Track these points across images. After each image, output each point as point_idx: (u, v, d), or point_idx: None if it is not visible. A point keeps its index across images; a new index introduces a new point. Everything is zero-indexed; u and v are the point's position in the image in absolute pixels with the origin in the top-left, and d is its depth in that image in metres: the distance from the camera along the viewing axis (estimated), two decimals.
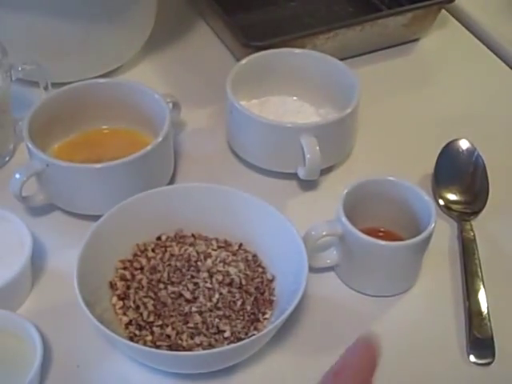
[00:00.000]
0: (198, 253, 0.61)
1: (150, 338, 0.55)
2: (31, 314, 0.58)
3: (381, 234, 0.62)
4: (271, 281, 0.59)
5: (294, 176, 0.69)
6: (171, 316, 0.57)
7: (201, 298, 0.58)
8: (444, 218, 0.66)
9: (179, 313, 0.57)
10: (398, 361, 0.57)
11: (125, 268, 0.59)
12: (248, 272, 0.60)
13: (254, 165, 0.70)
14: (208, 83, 0.79)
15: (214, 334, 0.56)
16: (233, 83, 0.69)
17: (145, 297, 0.58)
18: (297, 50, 0.74)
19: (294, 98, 0.74)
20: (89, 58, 0.77)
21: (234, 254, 0.61)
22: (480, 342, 0.57)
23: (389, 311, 0.60)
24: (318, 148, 0.65)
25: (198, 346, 0.55)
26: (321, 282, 0.61)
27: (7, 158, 0.71)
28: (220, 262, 0.60)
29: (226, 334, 0.56)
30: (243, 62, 0.72)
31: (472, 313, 0.58)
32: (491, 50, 0.86)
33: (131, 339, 0.55)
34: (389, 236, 0.61)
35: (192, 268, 0.60)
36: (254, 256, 0.61)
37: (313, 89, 0.73)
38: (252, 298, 0.58)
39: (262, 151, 0.69)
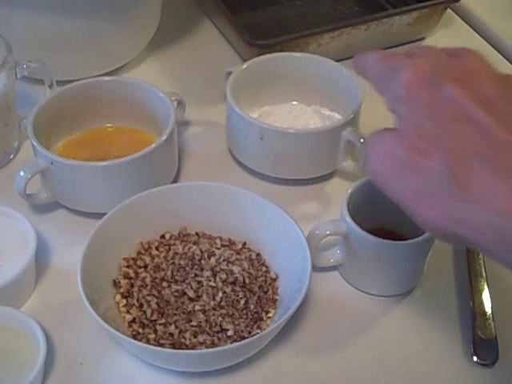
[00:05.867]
0: (201, 251, 0.61)
1: (153, 336, 0.55)
2: (35, 311, 0.58)
3: (385, 233, 0.61)
4: (275, 280, 0.59)
5: (297, 182, 0.69)
6: (174, 314, 0.57)
7: (204, 297, 0.58)
8: None
9: (182, 311, 0.57)
10: (401, 360, 0.57)
11: (128, 266, 0.60)
12: (251, 271, 0.60)
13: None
14: (213, 82, 0.79)
15: (217, 332, 0.56)
16: (233, 88, 0.68)
17: (148, 295, 0.58)
18: (297, 54, 0.73)
19: (295, 102, 0.74)
20: (94, 55, 0.77)
21: (238, 253, 0.61)
22: (484, 342, 0.56)
23: (392, 311, 0.60)
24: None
25: (201, 344, 0.55)
26: (324, 282, 0.61)
27: (12, 156, 0.71)
28: (224, 260, 0.60)
29: (229, 333, 0.56)
30: (244, 66, 0.71)
31: (476, 313, 0.58)
32: (496, 49, 0.86)
33: (134, 337, 0.55)
34: (393, 236, 0.61)
35: (196, 266, 0.60)
36: (258, 255, 0.61)
37: (314, 93, 0.73)
38: (255, 297, 0.58)
39: (262, 157, 0.68)
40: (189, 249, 0.61)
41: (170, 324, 0.56)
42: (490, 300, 0.59)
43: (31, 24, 0.72)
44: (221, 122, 0.72)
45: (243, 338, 0.55)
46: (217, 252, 0.61)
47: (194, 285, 0.59)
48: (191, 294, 0.58)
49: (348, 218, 0.58)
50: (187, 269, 0.60)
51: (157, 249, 0.61)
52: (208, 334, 0.56)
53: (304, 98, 0.73)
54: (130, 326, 0.56)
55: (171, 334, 0.56)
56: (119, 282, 0.59)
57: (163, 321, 0.56)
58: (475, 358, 0.56)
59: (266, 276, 0.60)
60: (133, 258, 0.60)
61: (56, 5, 0.71)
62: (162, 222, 0.62)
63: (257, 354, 0.55)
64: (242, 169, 0.71)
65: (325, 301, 0.60)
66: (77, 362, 0.56)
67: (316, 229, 0.59)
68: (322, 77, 0.72)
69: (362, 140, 0.66)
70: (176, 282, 0.59)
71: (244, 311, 0.57)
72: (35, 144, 0.63)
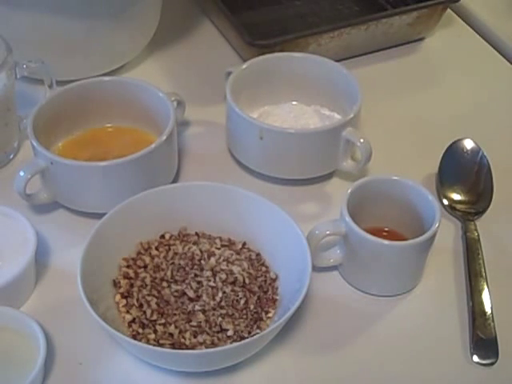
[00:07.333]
0: (201, 251, 0.61)
1: (152, 336, 0.55)
2: (35, 311, 0.58)
3: (384, 233, 0.62)
4: (274, 280, 0.59)
5: (297, 182, 0.69)
6: (174, 314, 0.57)
7: (204, 297, 0.58)
8: (448, 217, 0.66)
9: (182, 311, 0.57)
10: (402, 360, 0.57)
11: (128, 266, 0.60)
12: (251, 271, 0.60)
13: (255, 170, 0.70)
14: (213, 82, 0.79)
15: (217, 332, 0.56)
16: (232, 88, 0.68)
17: (148, 295, 0.58)
18: (297, 54, 0.73)
19: (295, 102, 0.74)
20: (93, 56, 0.77)
21: (238, 253, 0.61)
22: (483, 342, 0.56)
23: (392, 311, 0.60)
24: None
25: (200, 344, 0.55)
26: (324, 282, 0.61)
27: (12, 156, 0.71)
28: (223, 260, 0.60)
29: (229, 333, 0.56)
30: (244, 66, 0.71)
31: (476, 313, 0.58)
32: (496, 49, 0.86)
33: (134, 337, 0.55)
34: (393, 236, 0.61)
35: (195, 266, 0.60)
36: (258, 255, 0.61)
37: (313, 93, 0.73)
38: (255, 297, 0.58)
39: (262, 157, 0.68)
40: (189, 249, 0.61)
41: (170, 324, 0.56)
42: (489, 300, 0.59)
43: (31, 24, 0.72)
44: (221, 122, 0.72)
45: (243, 338, 0.55)
46: (217, 252, 0.61)
47: (194, 285, 0.59)
48: (191, 294, 0.58)
49: (348, 218, 0.58)
50: (187, 269, 0.60)
51: (157, 249, 0.61)
52: (208, 334, 0.56)
53: (304, 97, 0.73)
54: (129, 326, 0.56)
55: (171, 334, 0.56)
56: (119, 282, 0.59)
57: (163, 321, 0.56)
58: (475, 358, 0.56)
59: (265, 276, 0.60)
60: (132, 258, 0.60)
61: (56, 5, 0.71)
62: (161, 222, 0.62)
63: (257, 354, 0.55)
64: (241, 169, 0.71)
65: (325, 301, 0.60)
66: (76, 361, 0.56)
67: (316, 229, 0.59)
68: (322, 77, 0.72)
69: (361, 140, 0.66)
70: (176, 282, 0.59)
71: (244, 311, 0.57)
72: (35, 144, 0.63)
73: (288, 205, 0.61)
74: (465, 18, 0.90)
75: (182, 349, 0.55)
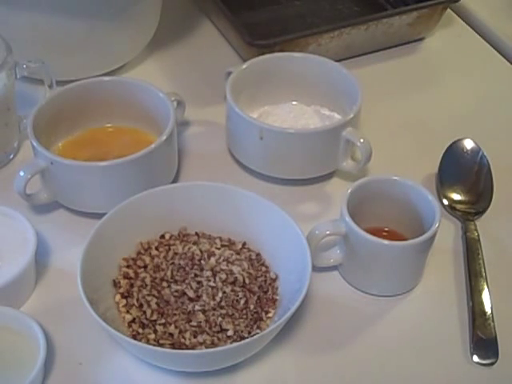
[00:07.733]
0: (201, 251, 0.61)
1: (152, 336, 0.55)
2: (34, 311, 0.58)
3: (384, 233, 0.62)
4: (274, 280, 0.59)
5: (297, 182, 0.69)
6: (174, 314, 0.57)
7: (204, 297, 0.58)
8: (448, 217, 0.66)
9: (182, 311, 0.57)
10: (402, 360, 0.57)
11: (128, 266, 0.60)
12: (251, 271, 0.60)
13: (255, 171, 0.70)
14: (213, 82, 0.79)
15: (217, 332, 0.56)
16: (232, 88, 0.68)
17: (148, 295, 0.58)
18: (297, 54, 0.73)
19: (294, 102, 0.74)
20: (93, 55, 0.77)
21: (238, 253, 0.61)
22: (483, 342, 0.56)
23: (392, 311, 0.60)
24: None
25: (200, 344, 0.55)
26: (324, 282, 0.61)
27: (12, 156, 0.71)
28: (223, 260, 0.60)
29: (229, 333, 0.56)
30: (244, 66, 0.71)
31: (476, 313, 0.58)
32: (496, 49, 0.86)
33: (134, 337, 0.55)
34: (393, 236, 0.61)
35: (195, 266, 0.60)
36: (258, 255, 0.61)
37: (313, 93, 0.73)
38: (255, 297, 0.58)
39: (262, 157, 0.68)
40: (189, 249, 0.61)
41: (170, 324, 0.56)
42: (489, 300, 0.59)
43: (31, 24, 0.72)
44: (221, 122, 0.72)
45: (243, 338, 0.55)
46: (216, 252, 0.61)
47: (194, 285, 0.59)
48: (191, 294, 0.58)
49: (348, 218, 0.58)
50: (187, 269, 0.60)
51: (157, 249, 0.61)
52: (208, 334, 0.56)
53: (304, 97, 0.73)
54: (129, 326, 0.56)
55: (171, 334, 0.56)
56: (119, 282, 0.59)
57: (163, 321, 0.56)
58: (475, 358, 0.56)
59: (265, 276, 0.60)
60: (132, 258, 0.60)
61: (56, 5, 0.71)
62: (161, 222, 0.62)
63: (257, 354, 0.55)
64: (241, 169, 0.71)
65: (325, 301, 0.60)
66: (76, 362, 0.56)
67: (316, 229, 0.59)
68: (322, 77, 0.72)
69: (361, 140, 0.66)
70: (176, 282, 0.59)
71: (244, 311, 0.57)
72: (35, 144, 0.63)
73: (288, 205, 0.61)
74: (465, 18, 0.90)
75: (182, 349, 0.55)
